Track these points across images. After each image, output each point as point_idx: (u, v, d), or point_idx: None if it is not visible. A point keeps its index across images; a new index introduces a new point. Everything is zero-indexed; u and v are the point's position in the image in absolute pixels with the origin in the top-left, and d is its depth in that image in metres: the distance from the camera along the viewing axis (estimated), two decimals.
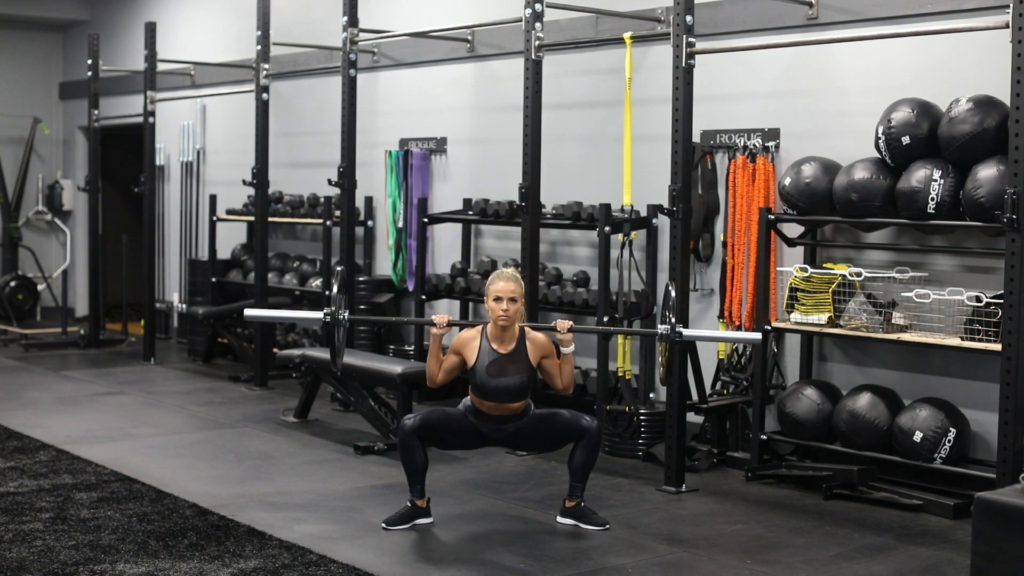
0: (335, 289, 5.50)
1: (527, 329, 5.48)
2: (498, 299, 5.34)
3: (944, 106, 5.82)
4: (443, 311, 8.98)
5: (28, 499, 5.73)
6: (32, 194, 13.88)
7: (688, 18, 6.03)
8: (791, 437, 6.34)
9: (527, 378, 5.39)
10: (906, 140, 5.84)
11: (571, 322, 5.44)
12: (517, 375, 5.36)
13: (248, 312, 5.92)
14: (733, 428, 6.76)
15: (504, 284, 5.35)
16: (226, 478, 6.30)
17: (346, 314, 5.48)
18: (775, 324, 6.42)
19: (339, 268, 5.83)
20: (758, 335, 5.87)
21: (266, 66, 9.06)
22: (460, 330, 5.63)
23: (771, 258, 6.52)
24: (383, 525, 5.37)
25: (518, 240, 7.48)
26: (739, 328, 6.91)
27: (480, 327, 5.50)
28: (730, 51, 6.61)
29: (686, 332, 5.58)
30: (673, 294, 5.50)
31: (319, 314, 5.54)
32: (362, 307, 9.12)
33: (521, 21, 6.88)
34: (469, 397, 5.49)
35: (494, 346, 5.40)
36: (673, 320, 5.44)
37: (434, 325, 5.42)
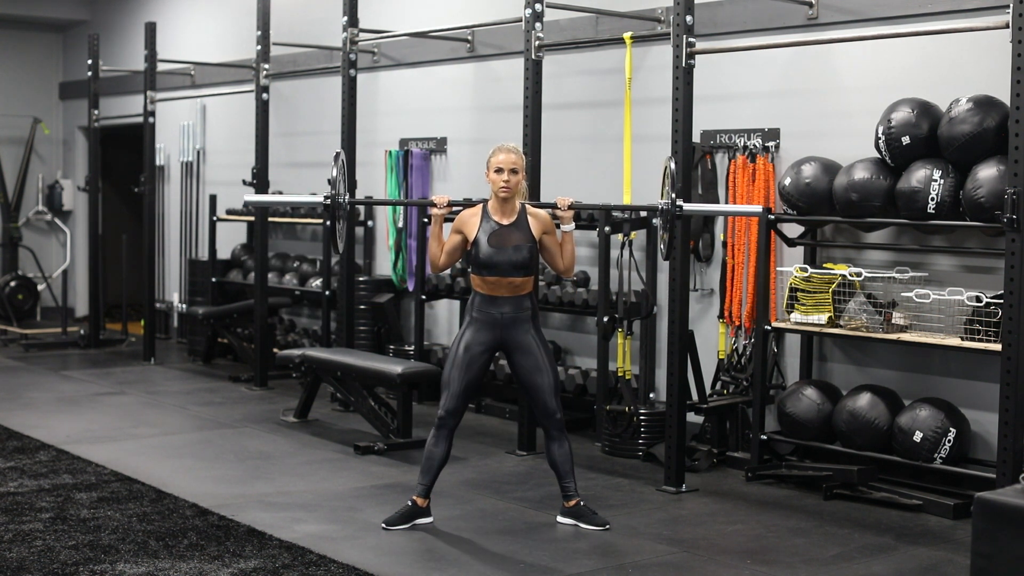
0: (335, 172, 5.49)
1: (528, 205, 5.44)
2: (499, 170, 5.29)
3: (944, 106, 5.82)
4: (443, 311, 8.99)
5: (28, 499, 5.73)
6: (32, 194, 13.88)
7: (688, 18, 6.03)
8: (791, 437, 6.34)
9: (529, 250, 5.32)
10: (906, 140, 5.84)
11: (572, 199, 5.40)
12: (519, 244, 5.30)
13: (248, 198, 5.96)
14: (733, 428, 6.76)
15: (505, 156, 5.30)
16: (226, 478, 6.30)
17: (347, 197, 5.47)
18: (775, 324, 6.42)
19: (339, 151, 5.83)
20: (758, 208, 5.82)
21: (266, 66, 9.06)
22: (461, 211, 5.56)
23: (771, 258, 6.52)
24: (383, 525, 5.37)
25: None
26: (739, 328, 6.91)
27: (480, 205, 5.45)
28: (730, 51, 6.61)
29: (687, 207, 5.54)
30: (673, 167, 5.47)
31: (318, 198, 5.55)
32: (362, 307, 9.12)
33: (521, 21, 6.89)
34: (472, 293, 5.41)
35: (495, 218, 5.34)
36: (673, 195, 5.41)
37: (435, 205, 5.38)
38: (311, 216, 9.89)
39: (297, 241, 10.69)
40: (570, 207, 5.38)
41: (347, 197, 5.49)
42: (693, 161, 6.82)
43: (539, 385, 5.40)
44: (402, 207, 9.00)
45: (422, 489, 5.40)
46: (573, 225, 5.42)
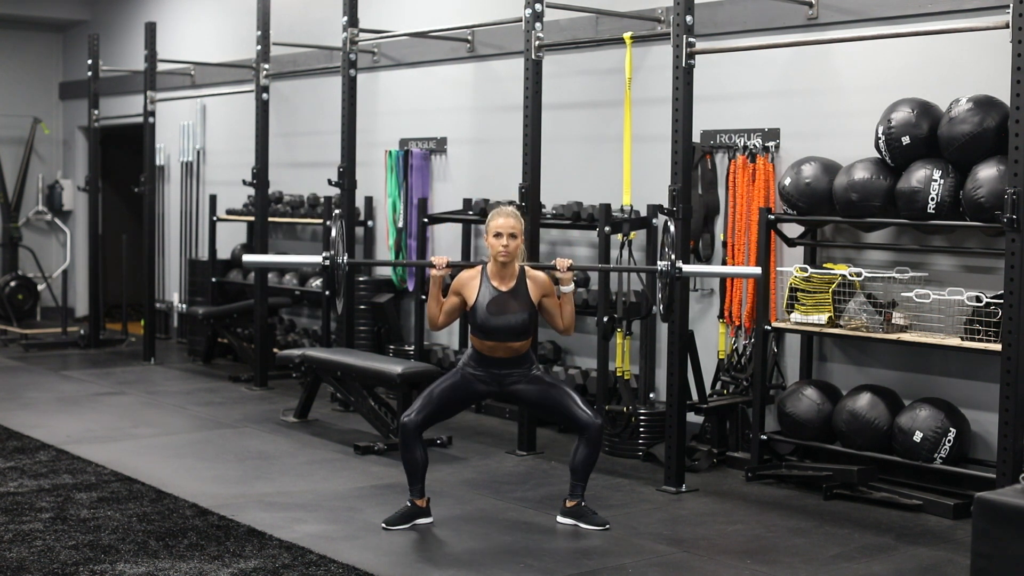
0: (334, 233, 5.49)
1: (527, 268, 5.45)
2: (498, 235, 5.30)
3: (944, 106, 5.82)
4: None
5: (28, 499, 5.73)
6: (32, 194, 13.88)
7: (688, 18, 6.02)
8: (791, 437, 6.34)
9: (528, 316, 5.34)
10: (906, 140, 5.84)
11: (571, 261, 5.41)
12: (518, 312, 5.32)
13: (247, 258, 5.93)
14: (733, 428, 6.76)
15: (504, 220, 5.31)
16: (226, 478, 6.30)
17: (345, 258, 5.47)
18: (775, 324, 6.42)
19: (338, 211, 5.83)
20: (758, 269, 5.85)
21: (266, 66, 9.06)
22: (460, 271, 5.58)
23: (771, 258, 6.52)
24: (383, 525, 5.37)
25: None
26: (739, 328, 6.91)
27: (479, 267, 5.46)
28: (730, 51, 6.61)
29: (686, 268, 5.56)
30: (672, 228, 5.48)
31: (318, 258, 5.54)
32: (362, 307, 9.13)
33: (521, 21, 6.88)
34: (469, 346, 5.45)
35: (494, 284, 5.36)
36: (672, 256, 5.43)
37: (434, 267, 5.39)
38: (311, 216, 9.90)
39: (297, 241, 10.69)
40: (569, 268, 5.39)
41: (345, 258, 5.48)
42: (693, 161, 6.82)
43: (560, 400, 5.41)
44: (402, 207, 9.01)
45: (416, 491, 5.41)
46: (572, 286, 5.43)
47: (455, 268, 5.61)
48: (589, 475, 5.46)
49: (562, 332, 5.50)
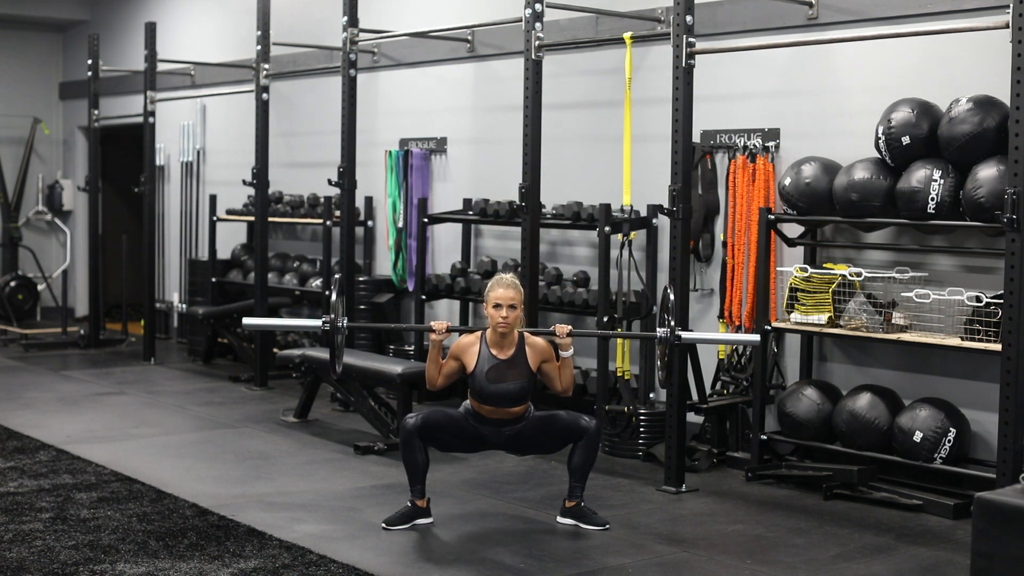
0: (334, 296, 5.49)
1: (526, 334, 5.48)
2: (497, 306, 5.34)
3: (944, 106, 5.82)
4: (443, 311, 8.98)
5: (28, 499, 5.73)
6: (32, 194, 13.88)
7: (688, 18, 6.03)
8: (791, 437, 6.34)
9: (527, 383, 5.39)
10: (906, 140, 5.84)
11: (570, 327, 5.44)
12: (517, 380, 5.36)
13: (247, 321, 5.90)
14: (733, 428, 6.76)
15: (504, 291, 5.34)
16: (226, 478, 6.30)
17: (344, 321, 5.47)
18: (775, 324, 6.42)
19: (337, 276, 5.84)
20: (757, 337, 5.87)
21: (266, 66, 9.06)
22: (459, 335, 5.62)
23: (771, 258, 6.52)
24: (383, 525, 5.37)
25: (518, 240, 7.49)
26: (739, 328, 6.91)
27: (479, 333, 5.49)
28: (730, 51, 6.61)
29: (685, 335, 5.57)
30: (672, 297, 5.50)
31: (317, 322, 5.51)
32: (362, 307, 9.12)
33: (521, 21, 6.88)
34: (468, 401, 5.49)
35: (493, 352, 5.39)
36: (672, 323, 5.44)
37: (433, 331, 5.41)
38: (311, 216, 9.90)
39: (297, 241, 10.69)
40: (568, 335, 5.40)
41: (345, 322, 5.47)
42: (693, 161, 6.82)
43: (553, 421, 5.45)
44: (402, 207, 9.00)
45: (417, 491, 5.41)
46: (571, 351, 5.45)
47: (455, 332, 5.60)
48: (588, 475, 5.47)
49: (560, 394, 5.54)
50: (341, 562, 4.83)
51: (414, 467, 5.37)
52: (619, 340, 7.10)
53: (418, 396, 8.16)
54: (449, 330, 5.42)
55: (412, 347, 8.55)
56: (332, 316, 5.42)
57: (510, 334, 5.39)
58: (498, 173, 8.41)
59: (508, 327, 5.35)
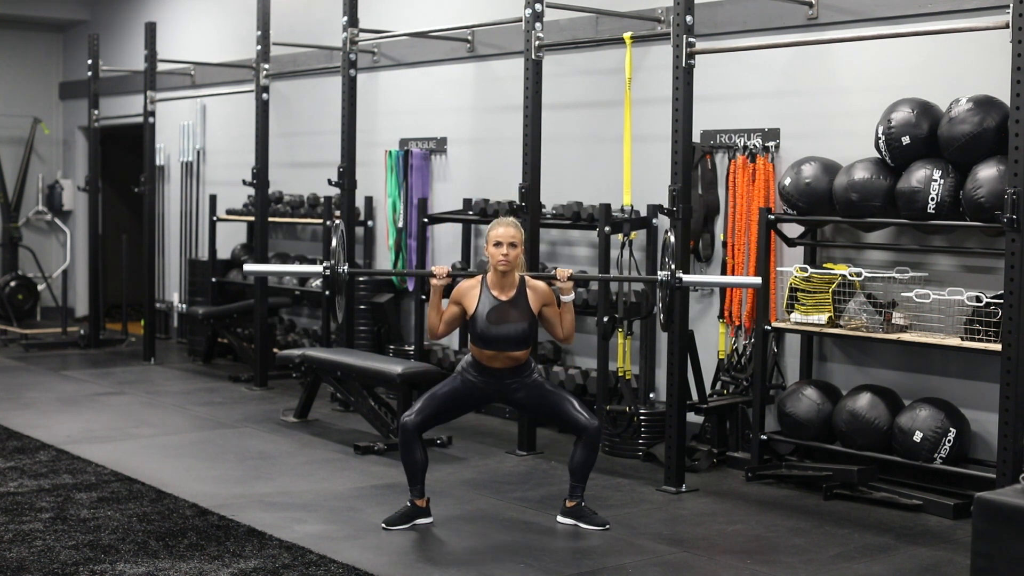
0: (334, 242, 5.49)
1: (527, 278, 5.46)
2: (498, 244, 5.30)
3: (944, 106, 5.82)
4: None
5: (28, 499, 5.73)
6: (32, 194, 13.88)
7: (688, 18, 6.02)
8: (791, 437, 6.34)
9: (528, 325, 5.35)
10: (906, 140, 5.84)
11: (571, 271, 5.42)
12: (518, 322, 5.33)
13: (247, 267, 5.94)
14: (733, 428, 6.76)
15: (504, 229, 5.31)
16: (226, 478, 6.30)
17: (345, 267, 5.47)
18: (775, 324, 6.42)
19: (338, 221, 5.83)
20: (758, 279, 5.86)
21: (266, 66, 9.06)
22: (460, 281, 5.58)
23: (771, 258, 6.52)
24: (383, 525, 5.37)
25: None
26: (739, 328, 6.91)
27: (479, 276, 5.46)
28: (730, 51, 6.61)
29: (686, 278, 5.56)
30: (672, 239, 5.47)
31: (318, 268, 5.53)
32: (362, 307, 9.13)
33: (521, 21, 6.88)
34: (469, 352, 5.46)
35: (494, 293, 5.36)
36: (672, 267, 5.42)
37: (434, 276, 5.39)
38: (311, 216, 9.90)
39: (297, 241, 10.69)
40: (569, 279, 5.39)
41: (346, 268, 5.48)
42: (693, 161, 6.82)
43: (558, 406, 5.43)
44: (402, 207, 9.01)
45: (416, 491, 5.41)
46: (573, 296, 5.44)
47: (455, 277, 5.60)
48: (588, 476, 5.47)
49: (562, 341, 5.52)
50: (341, 562, 4.83)
51: (413, 466, 5.37)
52: (620, 339, 7.10)
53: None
54: (450, 275, 5.41)
55: (412, 347, 8.55)
56: (333, 261, 5.43)
57: (510, 274, 5.36)
58: (498, 173, 8.41)
59: (509, 265, 5.32)
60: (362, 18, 8.34)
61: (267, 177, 9.16)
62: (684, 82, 6.06)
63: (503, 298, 5.35)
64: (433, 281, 5.39)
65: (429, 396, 5.48)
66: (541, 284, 5.46)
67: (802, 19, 6.63)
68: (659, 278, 5.49)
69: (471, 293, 5.41)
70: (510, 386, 5.45)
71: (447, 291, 5.58)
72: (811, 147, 6.52)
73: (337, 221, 5.77)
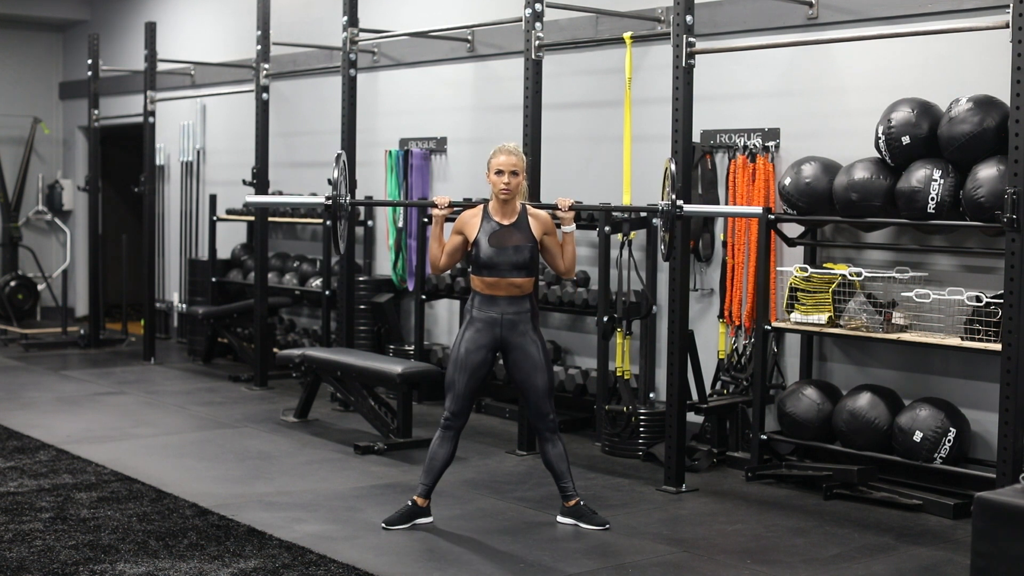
0: (336, 173, 5.49)
1: (528, 206, 5.45)
2: (499, 172, 5.30)
3: (944, 106, 5.82)
4: (443, 311, 8.99)
5: (28, 499, 5.73)
6: (32, 194, 13.88)
7: (688, 18, 6.02)
8: (791, 437, 6.34)
9: (530, 250, 5.33)
10: (906, 140, 5.84)
11: (572, 200, 5.41)
12: (520, 244, 5.31)
13: (249, 199, 5.98)
14: (733, 428, 6.76)
15: (506, 157, 5.31)
16: (226, 478, 6.30)
17: (348, 198, 5.47)
18: (775, 324, 6.42)
19: (340, 152, 5.84)
20: (758, 209, 5.85)
21: (266, 66, 9.06)
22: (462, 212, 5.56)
23: (771, 258, 6.52)
24: (383, 525, 5.37)
25: None
26: (739, 328, 6.91)
27: (481, 206, 5.46)
28: (730, 51, 6.61)
29: (687, 208, 5.56)
30: (673, 168, 5.49)
31: (320, 199, 5.56)
32: (362, 306, 9.13)
33: (521, 21, 6.88)
34: (472, 294, 5.42)
35: (496, 218, 5.35)
36: (674, 196, 5.43)
37: (436, 206, 5.39)
38: (311, 216, 9.90)
39: (297, 241, 10.69)
40: (570, 208, 5.38)
41: (348, 198, 5.50)
42: (693, 161, 6.81)
43: (535, 386, 5.40)
44: (402, 207, 9.00)
45: (423, 489, 5.40)
46: (574, 226, 5.42)
47: (457, 207, 5.59)
48: (569, 469, 5.45)
49: (563, 273, 5.47)
50: (341, 562, 4.83)
51: (434, 460, 5.35)
52: (619, 339, 7.09)
53: (418, 396, 8.16)
54: (451, 204, 5.40)
55: (412, 347, 8.55)
56: (335, 192, 5.43)
57: (512, 202, 5.35)
58: None
59: (510, 193, 5.31)
60: (362, 18, 8.34)
61: (267, 177, 9.16)
62: (684, 82, 6.06)
63: (505, 223, 5.34)
64: (435, 211, 5.39)
65: (451, 382, 5.38)
66: (543, 213, 5.45)
67: (802, 19, 6.63)
68: (660, 206, 5.48)
69: (472, 222, 5.40)
70: (511, 323, 5.35)
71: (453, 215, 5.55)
72: (811, 147, 6.52)
73: (339, 152, 5.77)
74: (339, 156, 5.70)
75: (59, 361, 10.43)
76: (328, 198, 5.50)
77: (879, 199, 5.95)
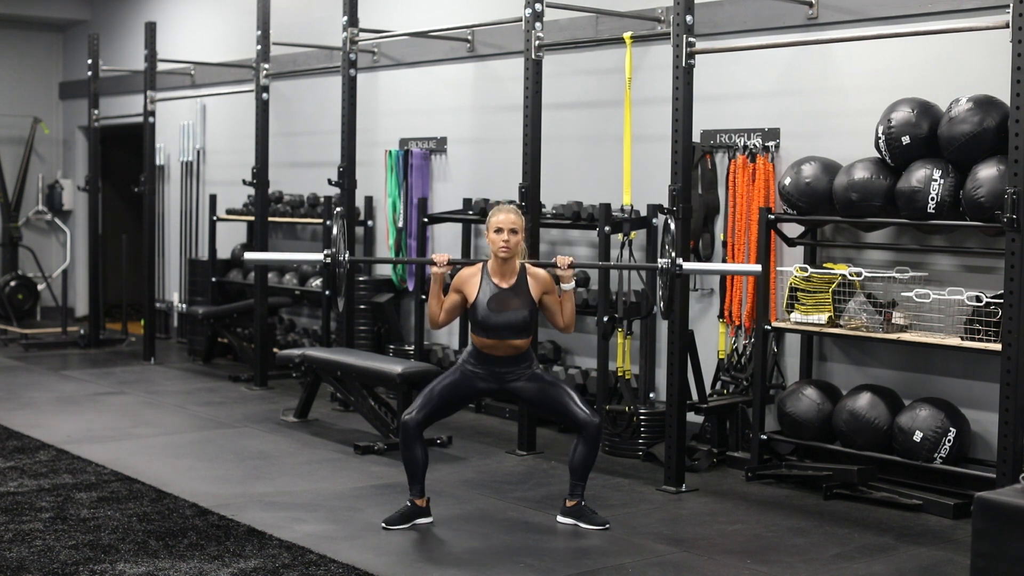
0: (335, 230, 5.49)
1: (528, 265, 5.45)
2: (499, 230, 5.30)
3: (944, 106, 5.82)
4: None
5: (28, 499, 5.73)
6: (32, 194, 13.88)
7: (688, 18, 6.02)
8: (791, 437, 6.34)
9: (529, 313, 5.35)
10: (906, 140, 5.84)
11: (572, 258, 5.41)
12: (519, 310, 5.33)
13: (248, 256, 5.95)
14: (733, 428, 6.76)
15: (505, 216, 5.31)
16: (226, 478, 6.30)
17: (346, 255, 5.47)
18: (775, 324, 6.42)
19: (339, 209, 5.83)
20: (758, 267, 5.86)
21: (266, 66, 9.06)
22: (460, 269, 5.58)
23: (771, 258, 6.52)
24: (383, 525, 5.37)
25: None
26: (739, 328, 6.91)
27: (480, 264, 5.46)
28: (730, 51, 6.61)
29: (687, 265, 5.56)
30: (672, 226, 5.48)
31: (319, 255, 5.54)
32: (362, 306, 9.13)
33: (521, 21, 6.88)
34: (470, 343, 5.45)
35: (495, 281, 5.36)
36: (673, 254, 5.43)
37: (435, 264, 5.39)
38: (311, 216, 9.90)
39: (297, 241, 10.69)
40: (570, 266, 5.39)
41: (347, 256, 5.48)
42: (693, 161, 6.82)
43: (559, 399, 5.41)
44: (402, 207, 9.01)
45: (416, 491, 5.41)
46: (573, 283, 5.44)
47: (456, 266, 5.61)
48: (588, 474, 5.46)
49: (563, 330, 5.50)
50: (341, 562, 4.83)
51: (413, 465, 5.36)
52: (620, 339, 7.09)
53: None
54: (450, 262, 5.41)
55: (412, 347, 8.55)
56: (333, 250, 5.43)
57: (511, 261, 5.36)
58: (498, 173, 8.41)
59: (509, 252, 5.32)
60: (362, 18, 8.34)
61: (267, 177, 9.16)
62: (684, 82, 6.06)
63: (504, 285, 5.35)
64: (433, 269, 5.39)
65: (427, 392, 5.46)
66: (542, 272, 5.46)
67: (802, 19, 6.63)
68: (659, 265, 5.48)
69: (472, 281, 5.41)
70: (509, 376, 5.43)
71: (449, 280, 5.57)
72: (811, 147, 6.52)
73: (338, 209, 5.77)
74: (337, 213, 5.69)
75: (59, 361, 10.43)
76: (327, 255, 5.48)
77: (879, 199, 5.95)
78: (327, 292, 9.18)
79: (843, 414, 6.09)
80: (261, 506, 5.71)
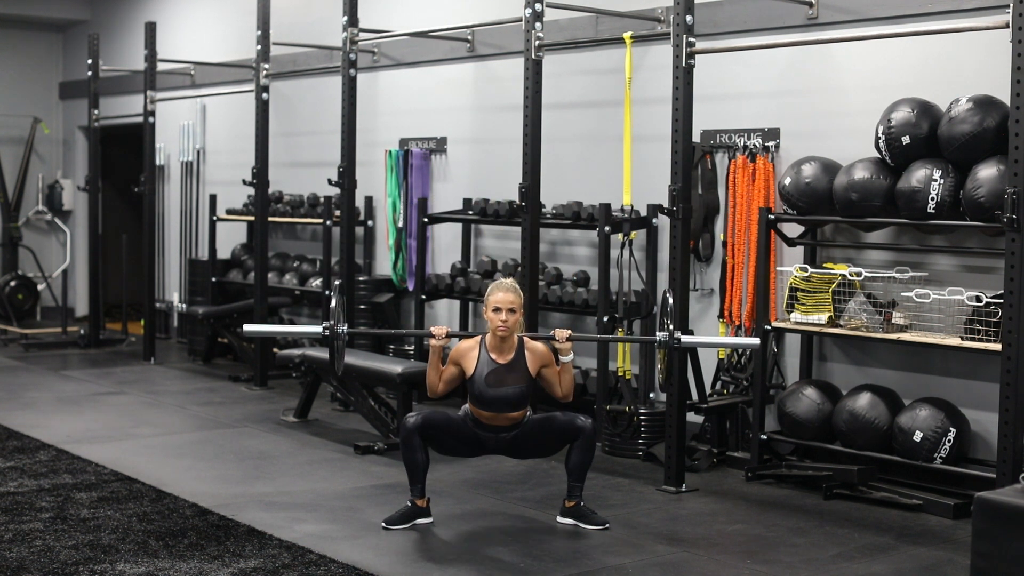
0: (333, 302, 5.49)
1: (526, 339, 5.48)
2: (497, 310, 5.34)
3: (944, 106, 5.82)
4: (443, 311, 8.99)
5: (28, 499, 5.73)
6: (32, 194, 13.88)
7: (688, 18, 6.03)
8: (791, 437, 6.34)
9: (526, 388, 5.39)
10: (906, 140, 5.84)
11: (569, 332, 5.44)
12: (516, 385, 5.36)
13: (248, 328, 5.91)
14: (733, 428, 6.76)
15: (503, 295, 5.34)
16: (226, 478, 6.30)
17: (344, 327, 5.47)
18: (775, 324, 6.42)
19: (337, 282, 5.84)
20: (757, 340, 5.86)
21: (266, 66, 9.06)
22: (459, 340, 5.62)
23: (771, 258, 6.52)
24: (383, 525, 5.37)
25: (518, 240, 7.49)
26: (739, 328, 6.91)
27: (479, 337, 5.49)
28: (730, 51, 6.61)
29: (684, 339, 5.57)
30: (671, 301, 5.49)
31: (318, 328, 5.52)
32: (362, 307, 9.13)
33: (521, 21, 6.88)
34: (468, 406, 5.48)
35: (493, 356, 5.39)
36: (671, 327, 5.44)
37: (433, 337, 5.42)
38: (311, 216, 9.90)
39: (297, 241, 10.70)
40: (568, 339, 5.40)
41: (345, 328, 5.47)
42: (693, 161, 6.82)
43: (548, 422, 5.44)
44: (402, 207, 9.01)
45: (417, 491, 5.41)
46: (572, 356, 5.46)
47: (454, 337, 5.62)
48: (586, 475, 5.47)
49: (561, 400, 5.54)
50: (341, 562, 4.83)
51: (414, 466, 5.37)
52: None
53: (418, 396, 8.14)
54: (449, 335, 5.43)
55: (412, 347, 8.55)
56: (332, 322, 5.43)
57: (509, 338, 5.39)
58: (498, 173, 8.41)
59: (508, 331, 5.35)
60: (362, 18, 8.34)
61: (267, 177, 9.16)
62: (684, 82, 6.06)
63: (501, 361, 5.38)
64: (432, 342, 5.42)
65: (436, 409, 5.53)
66: (540, 345, 5.49)
67: (802, 19, 6.63)
68: (658, 339, 5.49)
69: (470, 355, 5.43)
70: (506, 438, 5.47)
71: (448, 350, 5.59)
72: (811, 147, 6.52)
73: (338, 283, 5.79)
74: (337, 285, 5.71)
75: (59, 361, 10.43)
76: (325, 328, 5.47)
77: (879, 199, 5.95)
78: (327, 292, 9.18)
79: (843, 414, 6.09)
80: (261, 506, 5.71)
